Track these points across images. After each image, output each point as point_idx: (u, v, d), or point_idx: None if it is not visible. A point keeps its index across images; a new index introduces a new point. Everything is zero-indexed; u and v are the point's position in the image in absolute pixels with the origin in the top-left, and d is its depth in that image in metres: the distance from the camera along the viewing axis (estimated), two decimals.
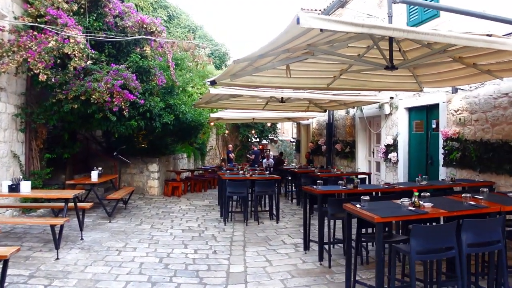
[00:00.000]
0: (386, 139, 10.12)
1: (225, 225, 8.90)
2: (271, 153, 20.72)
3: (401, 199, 4.25)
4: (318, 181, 6.57)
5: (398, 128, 9.78)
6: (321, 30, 3.45)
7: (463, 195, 4.52)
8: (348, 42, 5.12)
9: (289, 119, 16.53)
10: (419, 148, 9.33)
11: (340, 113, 12.99)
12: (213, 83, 6.35)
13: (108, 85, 8.30)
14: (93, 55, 8.74)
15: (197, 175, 15.83)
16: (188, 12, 24.49)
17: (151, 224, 8.62)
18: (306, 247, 6.75)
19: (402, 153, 9.63)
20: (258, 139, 29.23)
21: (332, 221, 6.20)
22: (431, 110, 8.87)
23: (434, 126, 8.84)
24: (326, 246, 6.01)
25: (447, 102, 8.20)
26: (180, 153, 16.24)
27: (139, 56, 9.90)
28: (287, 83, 6.86)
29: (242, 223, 9.18)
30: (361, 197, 4.35)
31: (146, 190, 12.88)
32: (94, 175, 8.65)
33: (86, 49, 8.25)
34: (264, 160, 17.68)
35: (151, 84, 10.03)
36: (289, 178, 12.75)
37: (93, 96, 8.20)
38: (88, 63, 8.30)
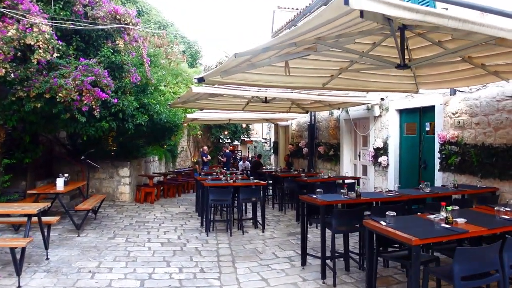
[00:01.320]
0: (376, 142, 9.66)
1: (207, 235, 8.16)
2: (247, 155, 20.02)
3: (434, 215, 3.68)
4: (318, 190, 5.94)
5: (389, 131, 9.33)
6: (361, 15, 2.87)
7: (496, 208, 4.01)
8: (356, 37, 4.62)
9: (267, 120, 15.90)
10: (411, 152, 8.91)
11: (323, 115, 12.49)
12: (200, 80, 5.60)
13: (76, 82, 7.39)
14: (60, 47, 7.78)
15: (170, 179, 14.95)
16: (158, 8, 23.44)
17: (125, 237, 7.76)
18: (304, 262, 6.11)
19: (393, 157, 9.18)
20: (229, 140, 28.49)
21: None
22: (425, 113, 8.45)
23: (427, 129, 8.43)
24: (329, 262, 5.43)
25: (444, 104, 7.79)
26: (152, 155, 15.30)
27: (111, 51, 8.99)
28: (282, 82, 6.21)
29: (225, 232, 8.47)
30: (387, 213, 3.75)
31: (117, 197, 11.92)
32: (60, 183, 7.71)
33: (52, 40, 7.30)
34: (240, 163, 16.99)
35: (124, 82, 9.14)
36: (270, 182, 12.11)
37: (60, 94, 7.27)
38: (54, 56, 7.36)
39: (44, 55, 6.99)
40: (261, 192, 8.68)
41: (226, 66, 4.90)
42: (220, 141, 27.75)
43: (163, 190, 13.64)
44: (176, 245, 7.30)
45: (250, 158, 17.75)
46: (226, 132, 24.25)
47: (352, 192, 5.89)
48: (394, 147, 9.22)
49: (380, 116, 9.68)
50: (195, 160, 22.60)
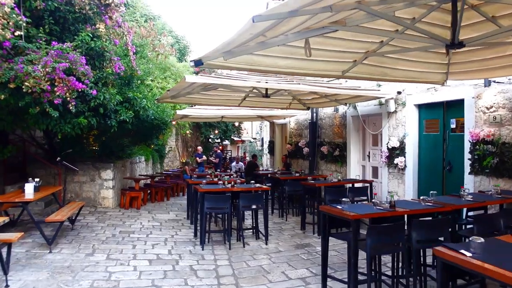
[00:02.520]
0: (390, 141, 8.62)
1: (203, 249, 7.04)
2: (237, 155, 18.86)
3: None
4: (344, 199, 4.84)
5: (406, 128, 8.30)
6: None
7: None
8: (397, 9, 3.95)
9: (262, 118, 14.80)
10: (432, 152, 7.89)
11: (326, 111, 11.43)
12: (198, 63, 4.43)
13: (47, 69, 6.19)
14: (25, 25, 6.53)
15: (158, 181, 13.74)
16: (145, 1, 22.12)
17: (106, 252, 6.57)
18: (324, 286, 5.03)
19: (412, 158, 8.16)
20: (219, 140, 27.30)
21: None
22: (451, 107, 7.44)
23: (453, 126, 7.42)
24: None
25: (476, 98, 6.78)
26: (138, 156, 14.08)
27: (90, 36, 7.78)
28: (297, 67, 5.11)
29: (223, 245, 7.38)
30: (471, 238, 2.68)
31: (99, 202, 10.69)
32: (29, 189, 6.52)
33: (14, 15, 6.07)
34: (233, 164, 15.89)
35: (105, 72, 7.94)
36: (268, 185, 10.98)
37: (26, 84, 6.06)
38: (16, 35, 6.13)
39: (3, 33, 5.76)
40: (264, 198, 7.56)
41: (234, 41, 3.72)
42: (210, 140, 26.57)
43: (150, 194, 12.44)
44: (167, 263, 6.15)
45: (241, 158, 16.66)
46: (216, 131, 23.09)
47: (384, 202, 4.81)
48: (413, 147, 8.19)
49: (395, 112, 8.64)
50: (184, 161, 21.40)
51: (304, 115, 12.70)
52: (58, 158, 8.62)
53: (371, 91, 8.53)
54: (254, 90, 8.94)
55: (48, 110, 6.49)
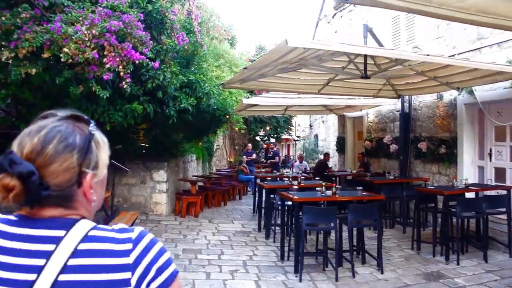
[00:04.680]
0: None
1: (300, 281, 5.11)
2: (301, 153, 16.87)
3: None
4: None
5: None
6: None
7: None
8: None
9: (331, 110, 12.77)
10: None
11: (423, 99, 9.23)
12: None
13: (93, 31, 4.43)
14: None
15: (213, 183, 11.94)
16: None
17: None
18: None
19: None
20: (266, 138, 25.38)
21: None
22: None
23: None
24: None
25: None
26: (190, 154, 12.36)
27: None
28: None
29: (321, 271, 5.53)
30: None
31: (150, 208, 8.98)
32: None
33: None
34: (297, 163, 13.90)
35: (165, 44, 6.14)
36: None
37: (65, 50, 4.32)
38: None
39: None
40: (378, 211, 5.53)
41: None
42: (258, 138, 24.69)
43: (206, 198, 10.65)
44: None
45: (299, 156, 14.72)
46: (268, 128, 21.17)
47: None
48: None
49: None
50: (236, 160, 19.64)
51: (389, 106, 10.54)
52: None
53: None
54: (349, 68, 7.02)
55: (95, 89, 4.73)
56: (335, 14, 13.92)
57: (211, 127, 9.96)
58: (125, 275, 0.89)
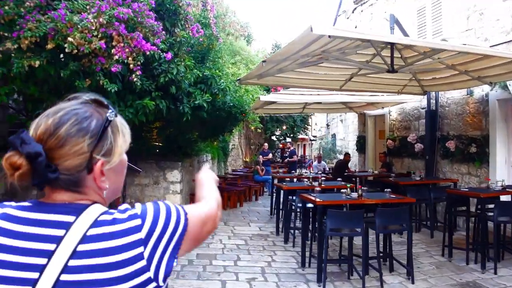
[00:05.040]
0: None
1: None
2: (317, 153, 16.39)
3: None
4: None
5: None
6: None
7: None
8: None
9: (351, 108, 12.30)
10: None
11: (451, 96, 8.70)
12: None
13: (101, 19, 4.08)
14: None
15: (229, 184, 11.57)
16: None
17: None
18: None
19: None
20: (282, 138, 24.91)
21: None
22: None
23: None
24: None
25: None
26: (205, 153, 12.00)
27: None
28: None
29: (345, 280, 5.11)
30: None
31: None
32: None
33: None
34: (315, 163, 13.46)
35: (179, 36, 5.78)
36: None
37: (70, 39, 3.98)
38: None
39: None
40: (409, 215, 5.07)
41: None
42: (274, 138, 24.25)
43: (221, 199, 10.26)
44: None
45: (318, 155, 14.27)
46: (284, 127, 20.72)
47: None
48: None
49: None
50: (252, 160, 19.27)
51: (413, 103, 10.02)
52: None
53: None
54: (374, 61, 6.59)
55: (103, 83, 4.38)
56: (355, 9, 13.41)
57: (227, 126, 9.57)
58: (138, 250, 0.88)
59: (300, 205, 6.26)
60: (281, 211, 7.95)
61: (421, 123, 9.75)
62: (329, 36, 4.28)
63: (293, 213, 7.57)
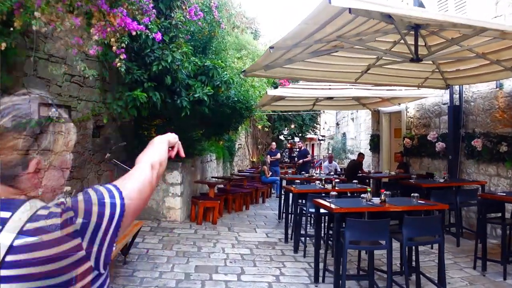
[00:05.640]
0: None
1: None
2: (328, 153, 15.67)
3: None
4: None
5: None
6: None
7: None
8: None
9: (364, 105, 11.54)
10: None
11: (478, 90, 7.92)
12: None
13: None
14: None
15: (234, 185, 10.87)
16: None
17: None
18: None
19: None
20: (290, 137, 24.19)
21: None
22: None
23: None
24: None
25: None
26: (209, 153, 11.33)
27: None
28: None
29: None
30: None
31: (163, 214, 7.99)
32: None
33: None
34: (326, 164, 12.73)
35: (175, 19, 5.09)
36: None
37: (37, 14, 3.29)
38: None
39: None
40: (441, 225, 4.34)
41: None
42: (282, 137, 23.55)
43: (226, 202, 9.59)
44: None
45: (328, 155, 13.54)
46: (293, 126, 20.00)
47: None
48: None
49: None
50: (259, 160, 18.57)
51: (433, 98, 9.25)
52: (108, 155, 5.91)
53: None
54: (394, 50, 5.87)
55: (80, 68, 3.70)
56: None
57: (231, 123, 8.90)
58: (75, 242, 0.88)
59: (312, 210, 5.54)
60: (290, 215, 7.26)
61: (442, 120, 8.98)
62: (350, 12, 3.56)
63: (303, 218, 6.86)
